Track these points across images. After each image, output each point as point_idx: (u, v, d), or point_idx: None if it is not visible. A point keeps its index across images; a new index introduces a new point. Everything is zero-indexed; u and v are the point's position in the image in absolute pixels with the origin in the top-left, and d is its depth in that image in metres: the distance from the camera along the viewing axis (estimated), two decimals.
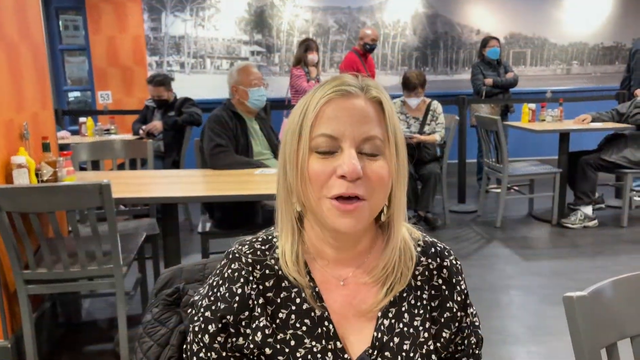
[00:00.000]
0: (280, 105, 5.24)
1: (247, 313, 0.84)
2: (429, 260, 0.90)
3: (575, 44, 6.74)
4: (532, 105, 4.75)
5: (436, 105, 4.30)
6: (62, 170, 2.43)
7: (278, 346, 0.83)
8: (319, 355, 0.83)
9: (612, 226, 4.32)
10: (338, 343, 0.84)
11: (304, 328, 0.84)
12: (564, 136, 4.41)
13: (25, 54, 2.52)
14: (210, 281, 0.88)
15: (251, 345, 0.83)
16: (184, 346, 0.92)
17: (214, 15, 6.19)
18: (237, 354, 0.85)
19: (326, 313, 0.85)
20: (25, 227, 2.11)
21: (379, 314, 0.86)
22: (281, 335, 0.84)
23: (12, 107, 2.36)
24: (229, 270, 0.86)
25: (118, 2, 5.73)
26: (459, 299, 0.90)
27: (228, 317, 0.84)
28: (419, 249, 0.90)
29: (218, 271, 0.88)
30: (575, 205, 4.35)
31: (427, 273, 0.90)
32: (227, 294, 0.85)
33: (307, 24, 6.35)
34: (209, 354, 0.85)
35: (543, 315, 2.84)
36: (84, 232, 2.41)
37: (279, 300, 0.85)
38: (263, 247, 0.88)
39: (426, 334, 0.87)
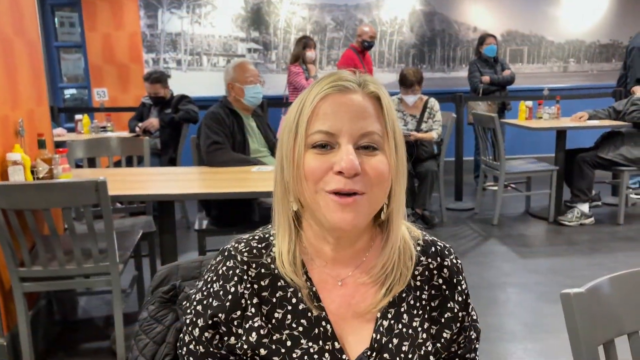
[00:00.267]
0: (277, 103, 5.23)
1: (239, 312, 0.83)
2: (429, 260, 0.89)
3: (572, 41, 6.75)
4: (529, 103, 4.75)
5: (433, 102, 4.30)
6: (57, 168, 2.42)
7: (273, 347, 0.82)
8: (315, 356, 0.82)
9: (609, 224, 4.33)
10: (336, 343, 0.83)
11: (301, 328, 0.83)
12: (561, 134, 4.41)
13: (21, 50, 2.51)
14: (205, 276, 0.88)
15: (245, 346, 0.82)
16: (179, 335, 0.91)
17: (211, 12, 6.17)
18: (223, 352, 0.84)
19: (323, 313, 0.84)
20: (21, 225, 2.10)
21: (378, 314, 0.85)
22: (277, 335, 0.83)
23: (7, 104, 2.35)
24: (224, 268, 0.85)
25: None
26: (460, 299, 0.89)
27: (220, 315, 0.83)
28: (418, 248, 0.89)
29: (213, 267, 0.87)
30: (572, 202, 4.36)
31: (427, 273, 0.88)
32: (220, 292, 0.84)
33: (304, 21, 6.34)
34: (197, 347, 0.85)
35: (540, 313, 2.84)
36: (80, 229, 2.40)
37: (274, 300, 0.84)
38: (259, 246, 0.87)
39: (425, 335, 0.86)
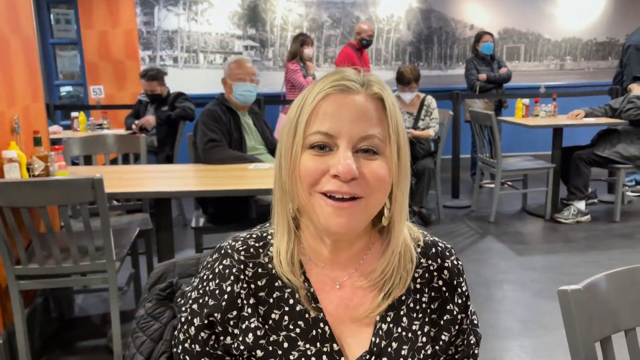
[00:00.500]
0: (274, 101, 5.22)
1: (235, 312, 0.82)
2: (430, 262, 0.87)
3: (568, 39, 6.76)
4: (526, 101, 4.76)
5: (430, 100, 4.30)
6: (53, 165, 2.41)
7: (270, 348, 0.81)
8: (313, 359, 0.81)
9: (605, 221, 4.34)
10: (335, 345, 0.81)
11: (298, 330, 0.82)
12: (558, 131, 4.42)
13: (16, 47, 2.50)
14: (201, 274, 0.86)
15: (241, 347, 0.81)
16: (174, 332, 0.91)
17: (207, 9, 6.15)
18: (219, 352, 0.83)
19: (321, 315, 0.82)
20: (17, 222, 2.09)
21: (377, 318, 0.83)
22: (274, 337, 0.81)
23: (3, 101, 2.34)
24: (220, 266, 0.84)
25: None
26: (459, 301, 0.88)
27: (215, 314, 0.81)
28: (419, 249, 0.87)
29: (209, 265, 0.86)
30: (569, 200, 4.37)
31: (427, 275, 0.87)
32: (216, 291, 0.83)
33: (300, 18, 6.32)
34: (193, 346, 0.84)
35: (536, 310, 2.85)
36: (76, 227, 2.39)
37: (271, 301, 0.83)
38: (257, 245, 0.85)
39: (425, 338, 0.85)
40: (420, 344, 0.84)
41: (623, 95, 4.44)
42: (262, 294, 0.83)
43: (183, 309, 0.86)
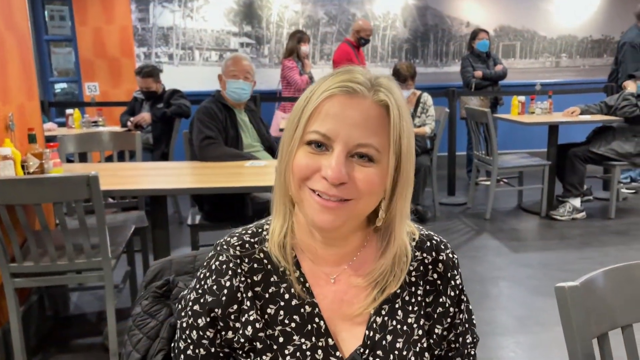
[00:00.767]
0: (270, 98, 5.21)
1: (235, 306, 0.82)
2: (424, 255, 0.88)
3: (564, 36, 6.77)
4: (522, 98, 4.76)
5: (426, 97, 4.30)
6: (48, 162, 2.40)
7: (268, 342, 0.81)
8: (308, 353, 0.81)
9: (600, 218, 4.35)
10: (330, 340, 0.82)
11: (293, 324, 0.82)
12: (553, 129, 4.43)
13: (10, 44, 2.48)
14: (199, 274, 0.86)
15: (242, 340, 0.81)
16: (172, 344, 0.90)
17: (203, 6, 6.13)
18: (227, 350, 0.83)
19: (317, 309, 0.83)
20: (11, 220, 2.08)
21: (372, 311, 0.84)
22: (270, 331, 0.82)
23: None
24: (217, 263, 0.84)
25: None
26: (452, 293, 0.88)
27: (216, 310, 0.82)
28: (413, 243, 0.87)
29: (205, 263, 0.86)
30: (564, 197, 4.38)
31: (422, 268, 0.87)
32: (214, 287, 0.83)
33: (296, 15, 6.31)
34: (197, 351, 0.83)
35: (532, 306, 2.86)
36: (72, 224, 2.38)
37: (267, 296, 0.83)
38: (252, 240, 0.86)
39: (420, 332, 0.85)
40: (416, 337, 0.84)
41: (618, 93, 4.45)
42: (258, 288, 0.83)
43: (182, 313, 0.86)
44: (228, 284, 0.82)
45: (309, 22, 6.33)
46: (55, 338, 2.60)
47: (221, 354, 0.83)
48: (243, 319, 0.82)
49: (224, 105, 2.88)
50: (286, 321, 0.82)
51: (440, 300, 0.87)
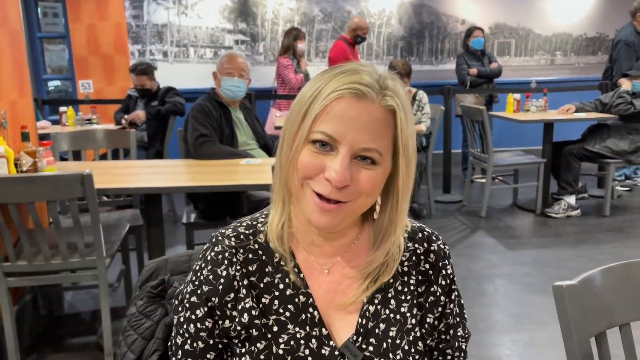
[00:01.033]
0: (266, 95, 5.19)
1: (232, 295, 0.83)
2: (416, 245, 0.89)
3: (559, 34, 6.79)
4: (517, 96, 4.77)
5: (422, 95, 4.30)
6: (42, 161, 2.38)
7: (263, 330, 0.82)
8: (302, 342, 0.82)
9: (595, 215, 4.37)
10: (324, 330, 0.83)
11: (288, 314, 0.83)
12: (548, 126, 4.44)
13: (3, 41, 2.45)
14: (194, 266, 0.87)
15: (238, 327, 0.82)
16: (169, 342, 0.90)
17: (197, 3, 6.10)
18: (225, 340, 0.84)
19: (311, 299, 0.84)
20: (4, 219, 2.06)
21: (365, 299, 0.85)
22: (264, 320, 0.83)
23: None
24: (212, 253, 0.85)
25: None
26: (443, 282, 0.89)
27: (213, 299, 0.82)
28: (405, 234, 0.89)
29: (201, 255, 0.87)
30: (559, 195, 4.39)
31: (414, 258, 0.88)
32: (210, 276, 0.83)
33: (292, 12, 6.29)
34: (195, 344, 0.84)
35: (527, 304, 2.86)
36: (65, 223, 2.36)
37: (262, 285, 0.84)
38: (247, 232, 0.87)
39: (413, 321, 0.86)
40: (409, 326, 0.85)
41: (613, 90, 4.46)
42: (253, 278, 0.84)
43: (180, 308, 0.86)
44: (224, 273, 0.83)
45: (304, 19, 6.32)
46: (50, 337, 2.59)
47: (220, 345, 0.84)
48: (239, 307, 0.83)
49: (219, 102, 2.86)
50: (281, 310, 0.83)
51: (432, 289, 0.88)
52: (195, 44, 6.18)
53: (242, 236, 0.86)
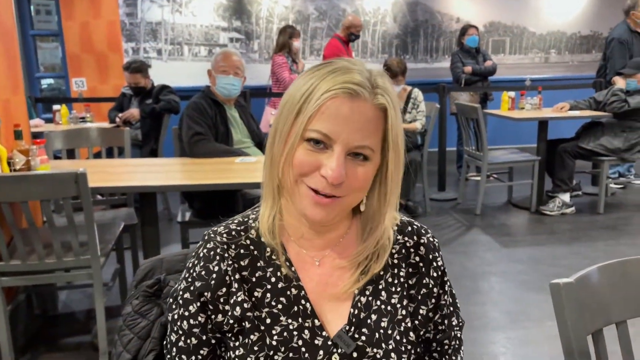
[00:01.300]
0: (260, 93, 5.18)
1: (224, 289, 0.84)
2: (406, 239, 0.91)
3: (553, 32, 6.81)
4: (512, 94, 4.77)
5: (417, 93, 4.30)
6: (35, 159, 2.36)
7: (255, 322, 0.83)
8: (295, 333, 0.83)
9: (589, 213, 4.39)
10: (316, 321, 0.84)
11: (280, 306, 0.84)
12: (543, 124, 4.45)
13: None
14: (188, 264, 0.88)
15: (231, 321, 0.83)
16: (164, 340, 0.91)
17: (192, 1, 6.08)
18: (218, 335, 0.85)
19: (303, 292, 0.85)
20: None
21: (356, 291, 0.86)
22: (257, 313, 0.84)
23: None
24: (204, 250, 0.86)
25: None
26: (435, 274, 0.91)
27: (206, 294, 0.84)
28: (395, 228, 0.90)
29: (194, 253, 0.88)
30: (553, 192, 4.41)
31: (404, 251, 0.90)
32: (203, 272, 0.85)
33: (286, 10, 6.28)
34: (188, 341, 0.85)
35: (522, 301, 2.87)
36: (59, 222, 2.35)
37: (254, 280, 0.85)
38: (238, 228, 0.88)
39: (404, 311, 0.88)
40: (400, 317, 0.87)
41: (607, 88, 4.48)
42: (245, 273, 0.86)
43: (174, 306, 0.87)
44: (216, 268, 0.85)
45: (299, 17, 6.31)
46: (44, 337, 2.57)
47: (213, 340, 0.85)
48: (232, 301, 0.84)
49: (214, 100, 2.85)
50: (273, 303, 0.84)
51: (424, 281, 0.90)
52: (190, 42, 6.15)
53: (233, 232, 0.88)
